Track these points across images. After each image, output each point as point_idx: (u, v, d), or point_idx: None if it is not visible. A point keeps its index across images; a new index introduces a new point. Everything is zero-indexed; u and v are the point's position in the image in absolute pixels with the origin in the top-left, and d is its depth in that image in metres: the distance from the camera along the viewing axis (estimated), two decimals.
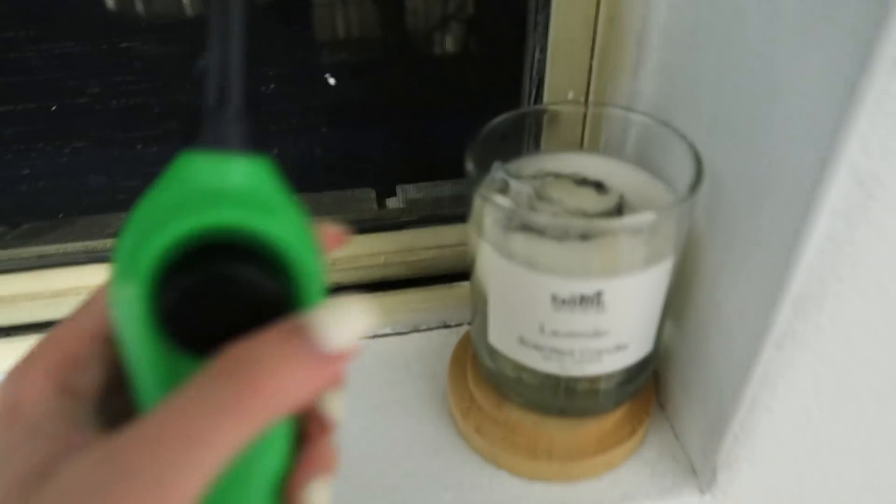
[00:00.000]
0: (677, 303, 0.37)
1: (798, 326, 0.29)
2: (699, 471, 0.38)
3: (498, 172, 0.34)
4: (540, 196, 0.34)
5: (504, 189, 0.34)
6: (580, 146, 0.42)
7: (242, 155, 0.18)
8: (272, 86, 0.45)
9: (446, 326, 0.49)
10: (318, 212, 0.49)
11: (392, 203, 0.51)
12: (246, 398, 0.16)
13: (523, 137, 0.39)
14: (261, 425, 0.16)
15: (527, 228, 0.32)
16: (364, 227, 0.47)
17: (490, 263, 0.33)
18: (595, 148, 0.41)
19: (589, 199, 0.34)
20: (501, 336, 0.35)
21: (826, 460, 0.37)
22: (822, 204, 0.25)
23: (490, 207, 0.32)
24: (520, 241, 0.32)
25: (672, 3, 0.36)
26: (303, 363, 0.17)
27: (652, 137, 0.36)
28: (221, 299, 0.17)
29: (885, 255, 0.27)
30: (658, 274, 0.32)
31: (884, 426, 0.35)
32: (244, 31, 0.17)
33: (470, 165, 0.33)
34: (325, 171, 0.49)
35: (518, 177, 0.35)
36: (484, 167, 0.34)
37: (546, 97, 0.46)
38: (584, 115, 0.41)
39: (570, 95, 0.46)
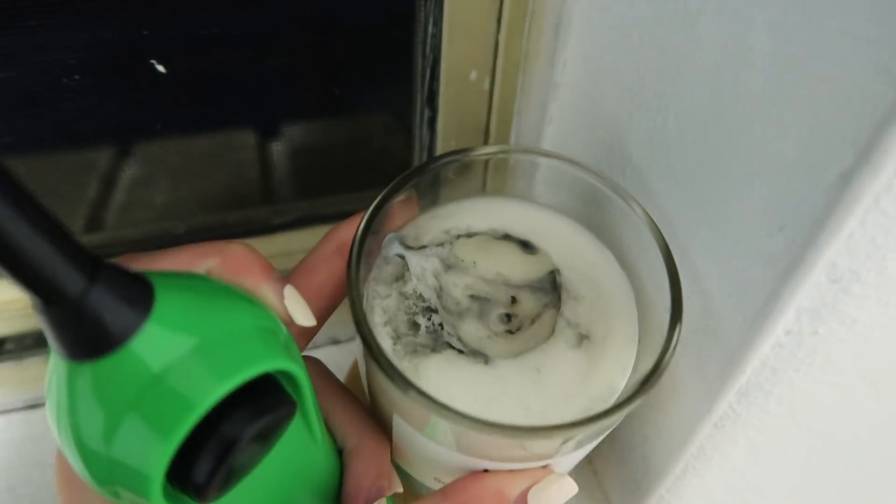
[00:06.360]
0: None
1: (741, 410, 0.25)
2: None
3: (392, 247, 0.25)
4: (449, 265, 0.25)
5: (400, 276, 0.25)
6: (482, 189, 0.27)
7: (139, 310, 0.14)
8: None
9: (335, 343, 0.43)
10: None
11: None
12: None
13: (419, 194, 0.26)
14: None
15: (440, 346, 0.23)
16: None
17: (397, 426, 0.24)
18: (504, 190, 0.27)
19: (512, 261, 0.25)
20: (408, 463, 0.26)
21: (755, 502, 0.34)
22: (788, 304, 0.20)
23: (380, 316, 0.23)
24: (434, 373, 0.22)
25: None
26: None
27: (583, 189, 0.25)
28: (249, 447, 0.16)
29: (848, 340, 0.23)
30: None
31: (818, 473, 0.32)
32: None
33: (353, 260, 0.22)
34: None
35: (418, 247, 0.25)
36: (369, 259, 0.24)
37: (444, 76, 0.38)
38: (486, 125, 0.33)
39: (473, 76, 0.38)
